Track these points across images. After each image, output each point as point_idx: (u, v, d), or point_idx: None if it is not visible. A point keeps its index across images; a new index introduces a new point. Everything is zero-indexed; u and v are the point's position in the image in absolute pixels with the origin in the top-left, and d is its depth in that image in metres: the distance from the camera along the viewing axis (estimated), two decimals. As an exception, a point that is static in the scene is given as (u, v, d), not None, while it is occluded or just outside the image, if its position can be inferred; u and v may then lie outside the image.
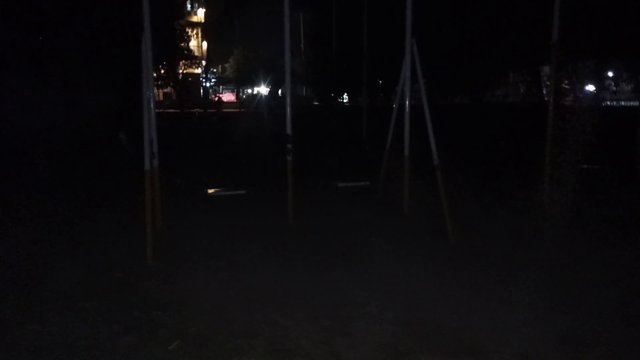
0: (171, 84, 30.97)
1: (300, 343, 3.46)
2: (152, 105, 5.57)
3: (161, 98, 34.18)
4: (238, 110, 35.06)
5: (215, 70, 39.60)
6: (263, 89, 35.48)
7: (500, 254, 5.27)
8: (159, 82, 26.35)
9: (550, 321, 3.76)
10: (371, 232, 6.01)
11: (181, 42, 26.87)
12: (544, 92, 15.37)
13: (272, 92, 31.55)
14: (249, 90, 41.34)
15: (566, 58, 7.67)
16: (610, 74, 24.78)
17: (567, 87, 12.25)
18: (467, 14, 13.94)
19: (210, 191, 7.66)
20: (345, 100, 26.80)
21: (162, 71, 24.76)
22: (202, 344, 3.43)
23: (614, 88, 29.71)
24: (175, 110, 28.80)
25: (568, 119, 8.15)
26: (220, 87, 42.40)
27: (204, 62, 36.50)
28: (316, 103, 25.48)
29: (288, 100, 6.27)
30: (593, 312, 3.91)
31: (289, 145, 6.10)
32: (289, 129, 6.17)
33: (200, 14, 39.29)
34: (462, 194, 7.40)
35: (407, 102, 6.54)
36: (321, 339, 3.51)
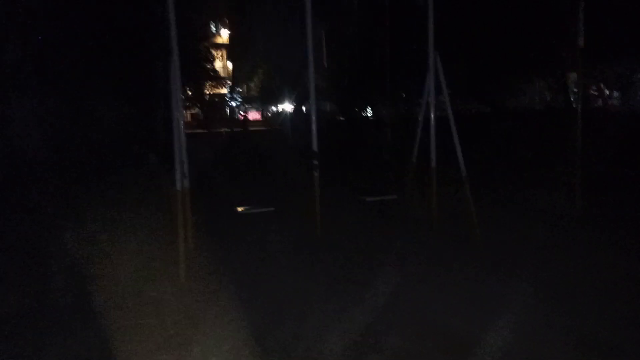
0: (198, 104, 31.56)
1: (329, 357, 3.49)
2: (181, 126, 5.70)
3: (189, 119, 34.82)
4: (264, 128, 35.50)
5: (240, 89, 40.21)
6: (287, 106, 35.80)
7: (528, 262, 5.21)
8: (187, 104, 26.88)
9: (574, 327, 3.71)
10: (400, 244, 6.02)
11: (207, 64, 27.39)
12: (571, 98, 15.13)
13: (297, 109, 31.78)
14: (274, 108, 41.77)
15: (592, 64, 7.57)
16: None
17: (594, 92, 12.09)
18: (490, 21, 13.88)
19: (239, 209, 7.77)
20: (369, 114, 26.83)
21: (189, 92, 25.25)
22: None
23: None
24: (203, 131, 29.32)
25: (597, 124, 8.04)
26: (246, 106, 42.98)
27: (229, 82, 37.15)
28: (341, 118, 25.54)
29: (313, 117, 6.35)
30: (611, 317, 3.84)
31: (315, 162, 6.16)
32: (314, 146, 6.23)
33: (224, 35, 40.12)
34: (490, 204, 7.34)
35: (432, 115, 6.56)
36: (353, 355, 3.53)
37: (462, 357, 3.43)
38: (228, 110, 38.57)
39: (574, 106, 10.22)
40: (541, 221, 6.82)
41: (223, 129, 31.26)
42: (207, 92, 33.05)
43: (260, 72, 38.43)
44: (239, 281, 5.03)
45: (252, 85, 41.27)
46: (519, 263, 5.27)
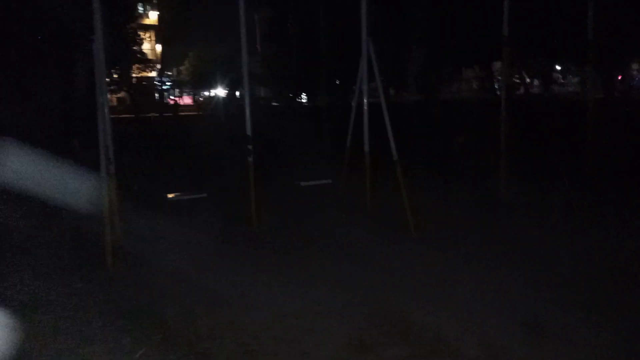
0: (125, 88, 30.19)
1: (268, 343, 3.46)
2: (106, 110, 5.43)
3: (115, 103, 33.29)
4: (196, 113, 34.55)
5: (170, 73, 38.89)
6: (220, 91, 35.07)
7: (459, 245, 5.42)
8: (112, 87, 25.60)
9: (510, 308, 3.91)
10: (336, 229, 6.07)
11: (134, 45, 26.18)
12: (496, 87, 15.83)
13: (230, 94, 31.19)
14: (206, 93, 40.80)
15: (516, 53, 7.91)
16: (558, 67, 25.75)
17: (517, 81, 12.70)
18: (420, 12, 14.21)
19: (170, 195, 7.52)
20: (304, 100, 26.82)
21: (115, 75, 24.05)
22: (169, 350, 3.38)
23: (562, 81, 30.86)
24: (130, 115, 28.12)
25: (520, 112, 8.44)
26: (176, 90, 41.67)
27: (158, 66, 35.77)
28: (275, 103, 25.37)
29: (247, 101, 6.24)
30: (548, 299, 4.07)
31: (249, 147, 6.07)
32: (248, 130, 6.13)
33: (153, 17, 38.52)
34: (421, 188, 7.54)
35: (365, 101, 6.62)
36: (288, 337, 3.52)
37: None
38: (157, 95, 37.21)
39: (498, 94, 10.67)
40: (468, 206, 7.08)
41: (152, 114, 30.15)
42: (135, 75, 31.66)
43: (192, 56, 37.36)
44: (168, 269, 4.89)
45: (182, 69, 40.06)
46: (445, 244, 5.47)
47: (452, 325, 3.63)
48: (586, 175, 7.73)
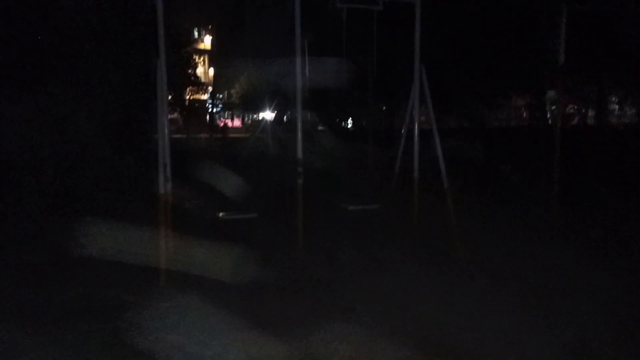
0: (178, 109, 31.30)
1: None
2: (166, 129, 5.68)
3: (168, 123, 34.50)
4: (244, 135, 35.35)
5: (221, 96, 40.05)
6: (268, 114, 35.76)
7: (507, 272, 5.30)
8: (167, 108, 26.63)
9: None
10: (382, 253, 6.05)
11: (188, 69, 27.22)
12: (548, 115, 15.47)
13: (278, 118, 31.76)
14: (254, 116, 41.70)
15: (571, 82, 7.78)
16: (614, 98, 24.89)
17: (572, 111, 12.40)
18: (472, 37, 14.14)
19: (221, 214, 7.70)
20: (349, 125, 27.01)
21: (170, 97, 25.04)
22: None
23: (618, 112, 29.77)
24: (182, 136, 29.05)
25: (574, 141, 8.23)
26: (227, 112, 42.81)
27: (210, 88, 37.02)
28: (321, 128, 25.63)
29: (299, 125, 6.35)
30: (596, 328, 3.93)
31: (300, 169, 6.17)
32: (299, 153, 6.24)
33: (207, 42, 40.06)
34: (470, 216, 7.44)
35: (416, 126, 6.65)
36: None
37: None
38: (208, 116, 38.35)
39: (550, 123, 10.45)
40: (519, 233, 6.93)
41: (202, 135, 31.05)
42: (188, 97, 32.81)
43: (242, 80, 38.42)
44: (217, 288, 4.98)
45: (233, 92, 41.20)
46: (493, 271, 5.36)
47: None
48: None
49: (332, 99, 21.71)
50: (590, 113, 19.26)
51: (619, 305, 4.48)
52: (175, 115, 35.43)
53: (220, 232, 7.11)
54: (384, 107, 22.35)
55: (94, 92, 12.72)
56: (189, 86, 29.78)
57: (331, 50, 21.42)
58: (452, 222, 5.77)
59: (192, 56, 29.05)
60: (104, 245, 6.31)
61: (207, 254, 6.04)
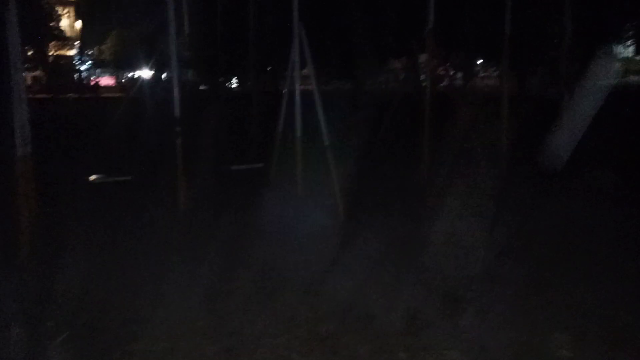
0: (40, 66, 28.37)
1: (199, 324, 3.49)
2: (22, 87, 5.14)
3: (29, 82, 31.19)
4: (118, 95, 33.09)
5: (91, 52, 36.85)
6: (145, 72, 33.72)
7: (385, 228, 5.65)
8: (26, 65, 23.97)
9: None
10: (267, 213, 6.10)
11: (51, 22, 24.64)
12: (422, 78, 16.42)
13: (156, 76, 30.10)
14: (130, 74, 39.09)
15: (440, 47, 8.27)
16: (479, 61, 27.03)
17: (441, 73, 13.27)
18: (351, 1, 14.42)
19: (92, 178, 7.24)
20: (234, 85, 26.43)
21: (30, 52, 22.53)
22: (93, 335, 3.31)
23: (484, 73, 32.41)
24: (47, 96, 26.49)
25: (444, 102, 8.84)
26: (97, 70, 39.61)
27: (78, 44, 33.87)
28: (203, 87, 24.78)
29: (175, 82, 6.11)
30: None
31: (178, 129, 5.96)
32: (177, 112, 6.01)
33: (71, -9, 36.34)
34: (352, 174, 7.73)
35: (297, 86, 6.69)
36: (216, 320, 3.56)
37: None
38: (77, 75, 35.25)
39: (424, 85, 11.09)
40: (393, 191, 7.36)
41: (70, 94, 28.57)
42: (51, 54, 29.84)
43: (114, 35, 35.59)
44: (89, 255, 4.73)
45: (104, 48, 38.10)
46: (373, 226, 5.68)
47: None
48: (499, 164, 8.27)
49: (213, 57, 21.03)
50: (459, 75, 20.85)
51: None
52: (38, 73, 32.08)
53: (91, 199, 6.70)
54: (269, 68, 22.17)
55: None
56: (51, 41, 27.05)
57: (211, 5, 20.61)
58: (333, 179, 5.97)
59: (55, 7, 26.30)
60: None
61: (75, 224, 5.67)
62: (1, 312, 3.56)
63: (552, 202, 6.63)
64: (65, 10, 34.14)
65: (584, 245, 5.11)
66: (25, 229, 4.67)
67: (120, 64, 36.18)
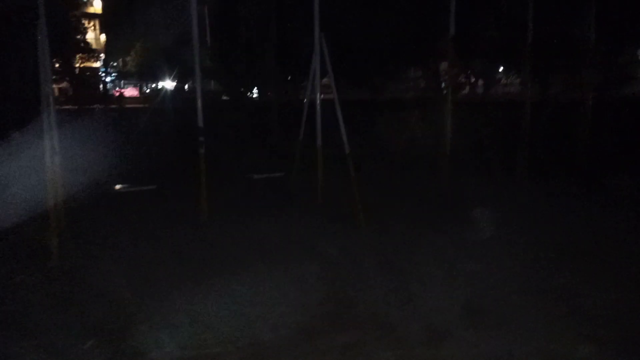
0: (67, 78, 29.02)
1: (222, 330, 3.51)
2: (51, 99, 5.31)
3: (57, 94, 31.92)
4: (142, 105, 33.59)
5: (115, 64, 37.54)
6: (168, 83, 34.23)
7: (406, 237, 5.62)
8: (54, 77, 24.55)
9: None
10: (287, 222, 6.15)
11: (77, 35, 25.24)
12: (442, 86, 16.32)
13: (178, 87, 30.55)
14: (153, 85, 39.71)
15: (460, 54, 8.23)
16: (501, 69, 26.71)
17: (463, 80, 13.18)
18: (371, 10, 14.44)
19: (117, 187, 7.38)
20: (255, 95, 26.64)
21: (57, 65, 23.08)
22: (119, 339, 3.37)
23: (505, 81, 31.93)
24: (74, 107, 27.06)
25: (465, 110, 8.79)
26: (122, 82, 40.32)
27: (103, 56, 34.57)
28: (225, 98, 25.04)
29: (198, 92, 6.20)
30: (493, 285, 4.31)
31: (201, 138, 6.04)
32: (200, 122, 6.10)
33: (97, 5, 37.21)
34: (372, 182, 7.73)
35: (317, 95, 6.74)
36: (241, 326, 3.59)
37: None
38: (102, 86, 35.92)
39: (444, 92, 11.03)
40: (414, 200, 7.33)
41: (96, 106, 29.12)
42: (77, 66, 30.48)
43: (138, 47, 36.25)
44: (116, 262, 4.82)
45: (128, 60, 38.81)
46: (393, 236, 5.66)
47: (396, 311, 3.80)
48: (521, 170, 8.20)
49: (235, 68, 21.26)
50: (480, 82, 20.63)
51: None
52: (65, 85, 32.80)
53: (117, 206, 6.83)
54: (289, 77, 22.31)
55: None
56: (78, 53, 27.66)
57: (233, 18, 20.87)
58: (353, 187, 5.98)
59: (81, 20, 26.92)
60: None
61: (101, 232, 5.79)
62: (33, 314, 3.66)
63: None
64: (91, 24, 34.94)
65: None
66: (52, 238, 4.81)
67: (143, 75, 36.81)
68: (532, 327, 3.56)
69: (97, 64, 35.33)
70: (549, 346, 3.31)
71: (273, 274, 4.51)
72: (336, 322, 3.64)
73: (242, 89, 24.05)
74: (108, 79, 37.00)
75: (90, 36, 34.28)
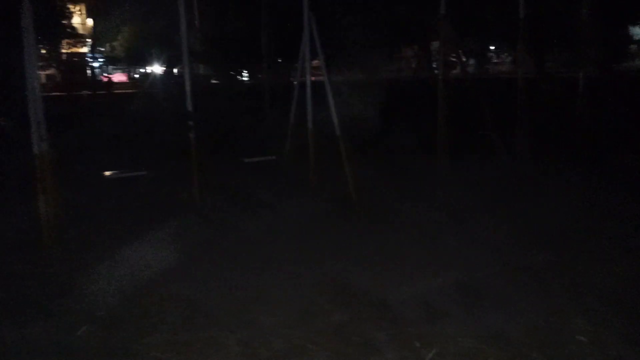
0: (54, 64, 28.61)
1: (216, 313, 3.51)
2: (37, 85, 5.20)
3: (44, 80, 31.47)
4: (131, 90, 33.24)
5: (103, 49, 37.01)
6: (157, 68, 33.84)
7: (400, 217, 5.62)
8: (41, 63, 24.17)
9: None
10: (280, 205, 6.12)
11: (63, 19, 24.81)
12: (434, 65, 16.25)
13: (167, 71, 30.20)
14: (142, 70, 39.24)
15: (452, 32, 8.13)
16: (492, 47, 26.67)
17: (453, 59, 13.09)
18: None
19: (107, 174, 7.31)
20: (245, 78, 26.42)
21: (44, 51, 22.73)
22: (112, 325, 3.37)
23: (496, 60, 31.97)
24: (61, 93, 26.74)
25: (456, 90, 8.72)
26: (110, 67, 39.79)
27: (90, 41, 34.07)
28: (214, 81, 24.80)
29: (187, 76, 6.12)
30: (482, 264, 4.33)
31: (191, 122, 5.98)
32: (189, 106, 6.03)
33: (82, -11, 36.48)
34: (363, 163, 7.69)
35: (308, 78, 6.66)
36: (237, 308, 3.59)
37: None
38: (90, 71, 35.45)
39: (436, 72, 10.97)
40: (407, 181, 7.31)
41: (84, 91, 28.81)
42: (64, 51, 30.09)
43: (126, 31, 35.71)
44: (110, 248, 4.79)
45: (116, 45, 38.28)
46: (386, 215, 5.67)
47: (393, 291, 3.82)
48: (518, 149, 8.19)
49: (225, 50, 21.04)
50: (471, 62, 20.63)
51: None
52: (52, 71, 32.34)
53: (108, 194, 6.77)
54: (280, 60, 22.10)
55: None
56: (64, 38, 27.24)
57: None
58: (345, 168, 5.96)
59: (66, 4, 26.45)
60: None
61: (92, 218, 5.75)
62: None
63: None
64: (77, 8, 34.31)
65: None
66: (46, 225, 4.77)
67: (132, 60, 36.34)
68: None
69: (85, 50, 34.81)
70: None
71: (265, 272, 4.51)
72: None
73: (232, 72, 23.84)
74: (96, 64, 36.52)
75: (76, 21, 33.74)
